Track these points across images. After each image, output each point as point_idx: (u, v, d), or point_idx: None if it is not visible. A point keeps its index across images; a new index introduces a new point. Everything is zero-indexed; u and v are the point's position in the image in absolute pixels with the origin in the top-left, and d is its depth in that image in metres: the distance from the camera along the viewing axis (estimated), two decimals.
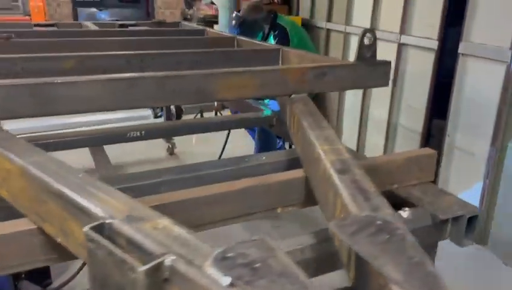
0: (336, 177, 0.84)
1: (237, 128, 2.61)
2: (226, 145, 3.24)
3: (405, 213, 1.19)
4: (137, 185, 1.32)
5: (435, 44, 3.02)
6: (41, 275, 2.14)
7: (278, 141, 3.45)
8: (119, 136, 1.84)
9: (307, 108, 1.34)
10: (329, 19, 4.44)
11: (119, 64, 1.68)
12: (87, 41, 2.06)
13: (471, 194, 2.81)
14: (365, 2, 3.77)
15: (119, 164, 3.56)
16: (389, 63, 1.63)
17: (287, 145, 3.38)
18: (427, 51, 3.12)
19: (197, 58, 1.83)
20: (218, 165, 1.47)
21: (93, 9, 9.31)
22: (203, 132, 2.18)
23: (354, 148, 4.08)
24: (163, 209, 1.01)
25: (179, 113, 4.61)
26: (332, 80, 1.51)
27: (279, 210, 1.13)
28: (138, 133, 1.83)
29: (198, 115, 4.24)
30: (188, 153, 3.93)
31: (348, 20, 4.07)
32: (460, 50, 2.79)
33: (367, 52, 1.59)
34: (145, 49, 2.01)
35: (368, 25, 3.74)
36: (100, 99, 1.21)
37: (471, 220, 1.22)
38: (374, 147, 3.82)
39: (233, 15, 2.90)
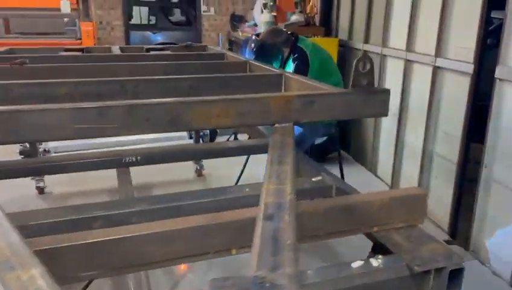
0: (259, 224, 0.75)
1: (242, 155, 2.55)
2: (254, 169, 3.17)
3: (377, 261, 1.07)
4: (107, 215, 1.29)
5: (470, 68, 2.81)
6: None
7: None
8: (115, 161, 1.85)
9: (281, 139, 1.26)
10: (366, 40, 4.30)
11: (113, 90, 1.70)
12: (99, 66, 2.12)
13: (509, 233, 2.54)
14: (401, 23, 3.61)
15: (146, 184, 3.60)
16: (388, 91, 1.51)
17: None
18: (463, 74, 2.91)
19: (195, 83, 1.81)
20: (196, 196, 1.42)
21: (148, 32, 9.78)
22: (205, 158, 2.13)
23: (389, 176, 3.87)
24: (100, 245, 0.97)
25: (213, 135, 4.63)
26: (321, 108, 1.42)
27: (233, 252, 1.05)
28: (134, 159, 1.82)
29: (232, 138, 4.23)
30: (215, 175, 3.92)
31: (384, 42, 3.91)
32: (496, 74, 2.56)
33: (363, 79, 1.49)
34: (157, 74, 2.03)
35: (403, 47, 3.57)
36: (67, 128, 1.20)
37: (457, 273, 1.07)
38: (409, 177, 3.60)
39: (252, 38, 2.86)
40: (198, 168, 3.93)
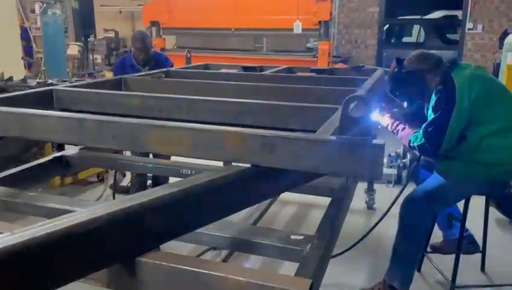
0: None
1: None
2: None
3: None
4: None
5: None
6: None
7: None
8: (173, 171, 1.98)
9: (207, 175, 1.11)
10: None
11: (170, 106, 1.84)
12: (210, 84, 2.30)
13: None
14: None
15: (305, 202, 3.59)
16: (381, 146, 1.09)
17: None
18: None
19: (244, 108, 1.74)
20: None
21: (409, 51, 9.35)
22: None
23: None
24: None
25: None
26: (284, 155, 1.17)
27: None
28: (189, 171, 1.91)
29: None
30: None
31: None
32: None
33: (352, 125, 1.13)
34: (242, 96, 2.04)
35: None
36: (54, 132, 1.43)
37: None
38: None
39: (393, 63, 2.31)
40: (367, 199, 3.62)
